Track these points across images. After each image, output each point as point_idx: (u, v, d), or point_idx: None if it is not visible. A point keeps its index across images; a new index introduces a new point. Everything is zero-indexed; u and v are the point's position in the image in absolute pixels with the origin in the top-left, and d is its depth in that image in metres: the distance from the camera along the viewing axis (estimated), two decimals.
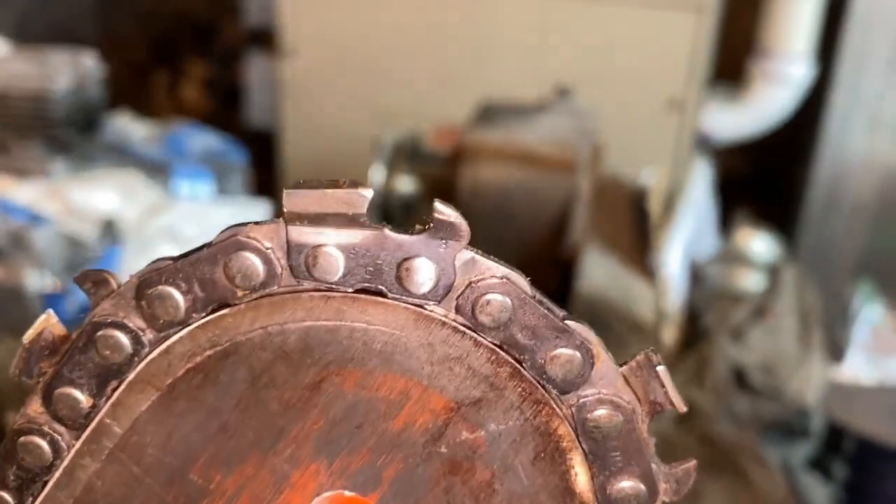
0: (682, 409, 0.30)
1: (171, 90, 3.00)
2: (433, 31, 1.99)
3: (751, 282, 1.67)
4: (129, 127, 1.82)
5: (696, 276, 1.72)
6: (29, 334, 0.32)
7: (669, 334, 1.53)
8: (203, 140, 1.81)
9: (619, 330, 1.29)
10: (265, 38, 2.34)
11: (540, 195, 1.48)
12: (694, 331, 1.57)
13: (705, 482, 1.28)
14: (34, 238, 1.48)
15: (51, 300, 1.50)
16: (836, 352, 1.61)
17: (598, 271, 1.41)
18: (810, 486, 1.35)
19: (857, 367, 1.57)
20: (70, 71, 1.60)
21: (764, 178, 2.40)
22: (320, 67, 2.07)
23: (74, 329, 0.32)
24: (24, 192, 1.54)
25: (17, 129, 1.59)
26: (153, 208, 1.56)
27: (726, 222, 2.06)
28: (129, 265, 1.52)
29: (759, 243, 1.75)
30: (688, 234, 1.75)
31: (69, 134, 1.60)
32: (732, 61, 2.10)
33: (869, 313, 1.67)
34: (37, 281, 1.48)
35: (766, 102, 2.04)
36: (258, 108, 2.43)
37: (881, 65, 2.09)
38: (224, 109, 2.80)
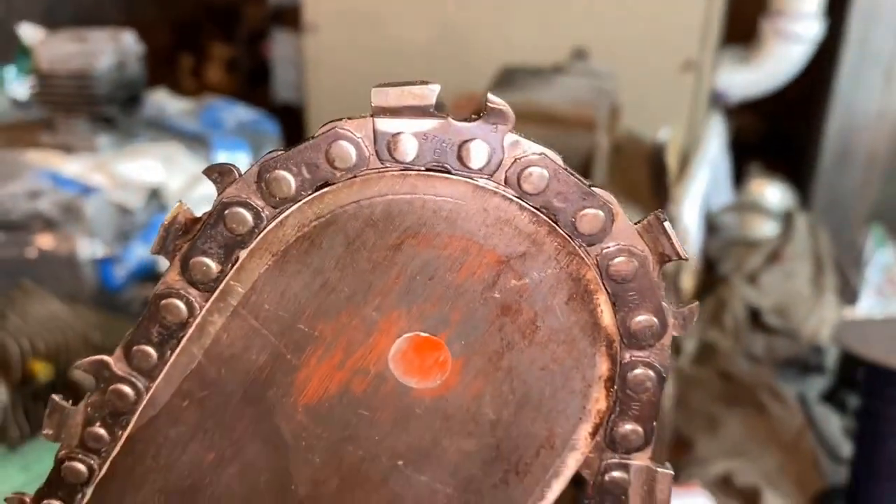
0: (685, 256, 0.38)
1: (195, 72, 3.08)
2: (450, 1, 2.05)
3: (765, 229, 1.73)
4: (165, 102, 1.91)
5: (712, 225, 1.78)
6: (166, 218, 0.40)
7: (687, 281, 1.60)
8: (236, 113, 1.90)
9: None
10: (289, 16, 2.41)
11: (560, 153, 1.55)
12: (711, 278, 1.64)
13: (724, 414, 1.36)
14: (85, 207, 1.56)
15: (102, 265, 1.59)
16: (849, 294, 1.68)
17: None
18: (825, 416, 1.42)
19: (870, 308, 1.64)
20: (111, 50, 1.67)
21: (777, 134, 2.45)
22: (342, 41, 2.13)
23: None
24: (73, 167, 1.63)
25: (64, 108, 1.68)
26: (195, 178, 1.65)
27: (740, 177, 2.12)
28: None
29: (773, 192, 1.81)
30: (704, 187, 1.82)
31: (112, 110, 1.68)
32: (744, 23, 2.15)
33: (881, 257, 1.73)
34: (88, 248, 1.56)
35: (779, 60, 2.08)
36: (284, 85, 2.51)
37: (892, 19, 2.13)
38: (250, 88, 2.89)
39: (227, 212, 0.38)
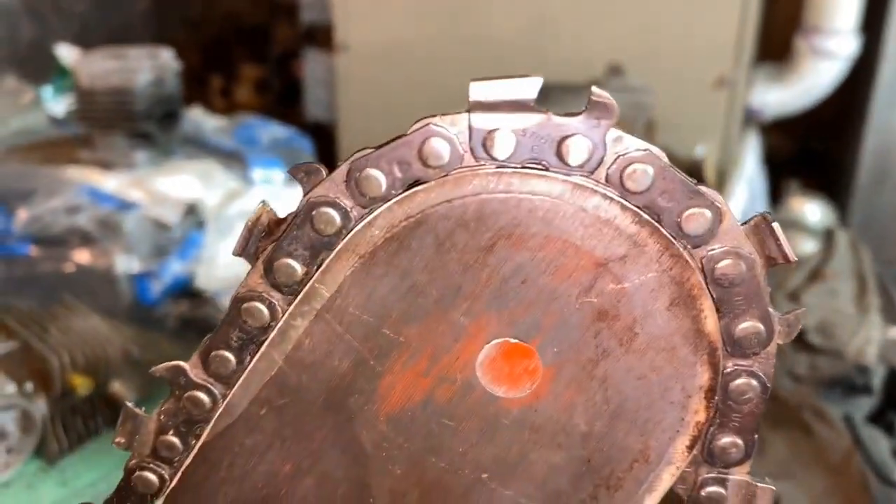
0: (794, 259, 0.36)
1: (224, 93, 3.11)
2: (482, 19, 2.05)
3: (805, 247, 1.70)
4: (201, 119, 1.92)
5: None
6: (250, 219, 0.39)
7: None
8: (270, 130, 1.90)
9: None
10: (321, 35, 2.42)
11: None
12: None
13: (770, 436, 1.33)
14: (123, 223, 1.56)
15: (138, 280, 1.59)
16: (893, 313, 1.64)
17: None
18: (873, 438, 1.38)
19: None
20: (149, 66, 1.69)
21: (812, 153, 2.42)
22: (373, 61, 2.14)
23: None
24: (111, 182, 1.64)
25: (103, 124, 1.69)
26: (231, 194, 1.64)
27: (775, 196, 2.09)
28: (210, 246, 1.61)
29: (813, 209, 1.78)
30: (741, 206, 1.79)
31: (150, 126, 1.69)
32: (779, 40, 2.13)
33: None
34: (125, 263, 1.57)
35: (815, 77, 2.06)
36: (316, 103, 2.52)
37: None
38: (280, 108, 2.90)
39: (314, 212, 0.37)
